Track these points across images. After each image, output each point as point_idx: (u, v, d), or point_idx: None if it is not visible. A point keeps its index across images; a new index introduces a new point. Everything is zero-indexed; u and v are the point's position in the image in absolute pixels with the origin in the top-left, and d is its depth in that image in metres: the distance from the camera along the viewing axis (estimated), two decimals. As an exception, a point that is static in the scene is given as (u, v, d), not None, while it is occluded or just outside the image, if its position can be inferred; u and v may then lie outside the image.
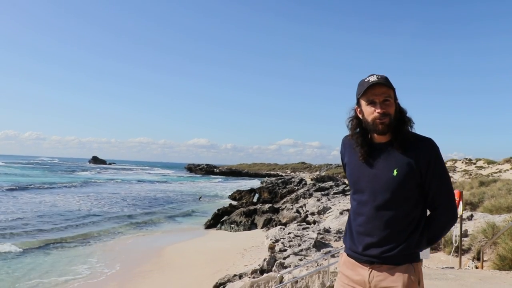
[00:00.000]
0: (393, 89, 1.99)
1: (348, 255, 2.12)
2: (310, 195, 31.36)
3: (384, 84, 1.95)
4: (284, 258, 10.79)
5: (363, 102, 2.01)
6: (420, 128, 2.08)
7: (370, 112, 1.98)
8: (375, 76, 1.97)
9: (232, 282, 9.89)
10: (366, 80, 1.98)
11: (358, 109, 2.06)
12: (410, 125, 2.02)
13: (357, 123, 2.08)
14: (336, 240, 13.58)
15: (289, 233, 14.94)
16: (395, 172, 1.94)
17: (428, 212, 2.05)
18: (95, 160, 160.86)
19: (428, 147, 1.97)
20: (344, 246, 2.19)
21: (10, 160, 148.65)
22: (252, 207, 24.47)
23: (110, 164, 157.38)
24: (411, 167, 1.93)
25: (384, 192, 1.96)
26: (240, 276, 10.10)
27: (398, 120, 1.98)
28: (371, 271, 2.01)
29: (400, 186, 1.93)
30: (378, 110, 1.95)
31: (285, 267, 9.66)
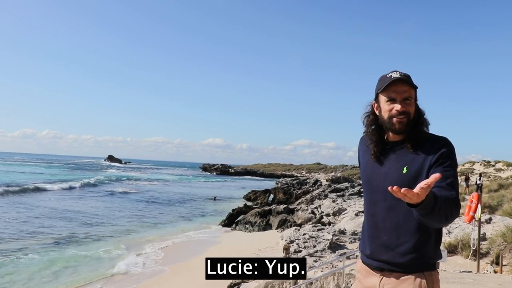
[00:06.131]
0: (415, 89, 1.91)
1: (362, 261, 2.05)
2: (326, 196, 31.19)
3: (406, 81, 1.87)
4: (299, 259, 10.75)
5: (382, 98, 1.92)
6: (437, 130, 2.07)
7: (388, 109, 1.90)
8: (398, 72, 1.89)
9: (247, 282, 9.90)
10: (388, 76, 1.90)
11: (376, 105, 1.98)
12: (426, 126, 1.94)
13: (373, 119, 2.00)
14: (351, 241, 13.47)
15: (304, 234, 14.88)
16: (405, 170, 1.85)
17: None
18: (111, 158, 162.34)
19: (441, 144, 1.85)
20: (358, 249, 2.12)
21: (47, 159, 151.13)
22: (267, 208, 24.40)
23: (125, 163, 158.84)
24: (421, 164, 1.83)
25: None
26: (255, 277, 10.10)
27: (415, 121, 1.90)
28: (381, 278, 1.92)
29: (410, 184, 1.69)
30: (398, 108, 1.87)
31: (300, 268, 9.62)
